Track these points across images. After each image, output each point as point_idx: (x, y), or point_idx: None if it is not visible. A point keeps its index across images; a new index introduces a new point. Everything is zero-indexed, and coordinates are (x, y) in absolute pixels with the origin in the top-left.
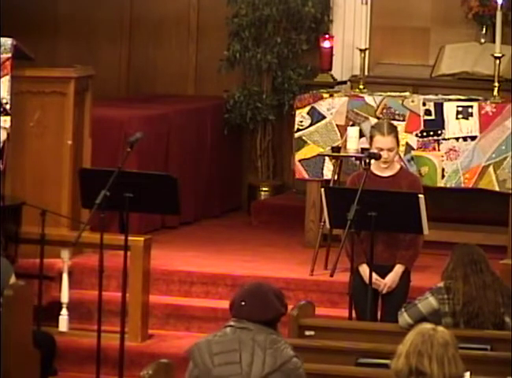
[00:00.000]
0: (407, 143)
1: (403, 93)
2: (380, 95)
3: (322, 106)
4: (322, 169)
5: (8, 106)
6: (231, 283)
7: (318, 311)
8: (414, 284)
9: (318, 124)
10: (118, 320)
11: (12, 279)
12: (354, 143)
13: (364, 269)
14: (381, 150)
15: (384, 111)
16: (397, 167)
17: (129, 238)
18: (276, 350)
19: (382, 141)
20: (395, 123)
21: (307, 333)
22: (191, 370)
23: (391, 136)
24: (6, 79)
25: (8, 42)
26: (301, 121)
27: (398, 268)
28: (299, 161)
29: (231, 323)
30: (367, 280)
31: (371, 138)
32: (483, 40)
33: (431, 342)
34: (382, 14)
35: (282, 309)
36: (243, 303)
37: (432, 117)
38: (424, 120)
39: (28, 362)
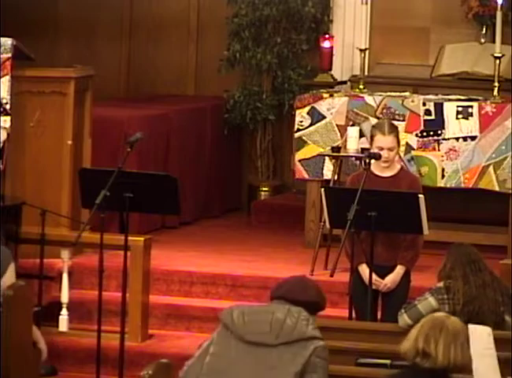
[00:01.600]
0: (407, 143)
1: (403, 93)
2: (380, 95)
3: (322, 106)
4: (322, 169)
5: (8, 106)
6: (231, 283)
7: None
8: (414, 284)
9: (318, 124)
10: (118, 320)
11: (12, 270)
12: (354, 143)
13: (363, 269)
14: (382, 149)
15: (384, 111)
16: (397, 167)
17: (129, 238)
18: (307, 324)
19: (383, 140)
20: (395, 123)
21: None
22: (219, 330)
23: (391, 136)
24: (6, 79)
25: (8, 42)
26: (301, 121)
27: (399, 269)
28: (299, 161)
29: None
30: (366, 280)
31: (372, 137)
32: (483, 40)
33: (440, 328)
34: (382, 14)
35: (320, 299)
36: (282, 286)
37: (432, 117)
38: (424, 120)
39: (28, 362)
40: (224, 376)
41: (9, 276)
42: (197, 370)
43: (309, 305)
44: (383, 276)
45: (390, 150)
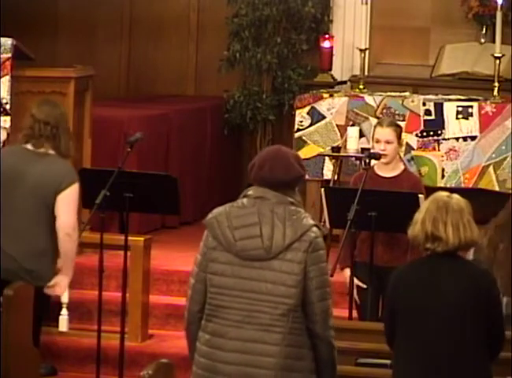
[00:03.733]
0: (407, 143)
1: (403, 93)
2: (380, 95)
3: (322, 106)
4: (322, 169)
5: (8, 106)
6: None
7: None
8: None
9: (318, 124)
10: (118, 320)
11: (74, 189)
12: (354, 143)
13: (346, 274)
14: (379, 141)
15: (384, 111)
16: (401, 168)
17: (129, 238)
18: (296, 220)
19: (380, 132)
20: None
21: None
22: (209, 241)
23: (389, 128)
24: (6, 79)
25: (8, 42)
26: (301, 121)
27: None
28: None
29: (249, 192)
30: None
31: (374, 134)
32: (483, 40)
33: (446, 209)
34: (382, 14)
35: (302, 171)
36: (263, 165)
37: (432, 117)
38: (424, 120)
39: (28, 362)
40: (229, 294)
41: (69, 194)
42: (202, 290)
43: (294, 181)
44: (383, 277)
45: (387, 142)
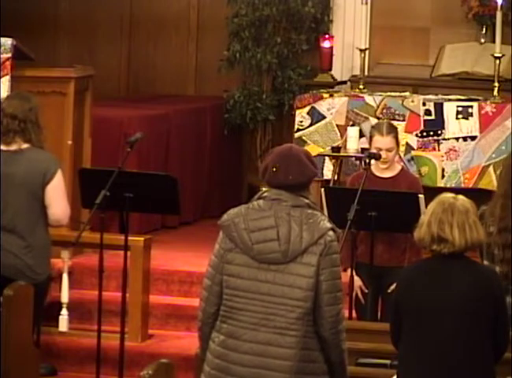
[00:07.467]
0: (407, 143)
1: (403, 93)
2: (380, 95)
3: (322, 106)
4: (322, 169)
5: None
6: None
7: None
8: None
9: (318, 124)
10: (118, 320)
11: (59, 176)
12: (354, 143)
13: (349, 274)
14: (380, 150)
15: (384, 111)
16: (398, 168)
17: (129, 238)
18: (312, 223)
19: (381, 141)
20: (395, 123)
21: None
22: (225, 243)
23: (390, 136)
24: (6, 79)
25: (8, 42)
26: (301, 121)
27: None
28: None
29: (265, 193)
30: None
31: (370, 138)
32: (483, 40)
33: (451, 211)
34: (382, 14)
35: (315, 170)
36: (276, 168)
37: (432, 117)
38: (424, 120)
39: (28, 362)
40: (245, 296)
41: (56, 183)
42: (219, 291)
43: (309, 182)
44: (382, 277)
45: (388, 150)
